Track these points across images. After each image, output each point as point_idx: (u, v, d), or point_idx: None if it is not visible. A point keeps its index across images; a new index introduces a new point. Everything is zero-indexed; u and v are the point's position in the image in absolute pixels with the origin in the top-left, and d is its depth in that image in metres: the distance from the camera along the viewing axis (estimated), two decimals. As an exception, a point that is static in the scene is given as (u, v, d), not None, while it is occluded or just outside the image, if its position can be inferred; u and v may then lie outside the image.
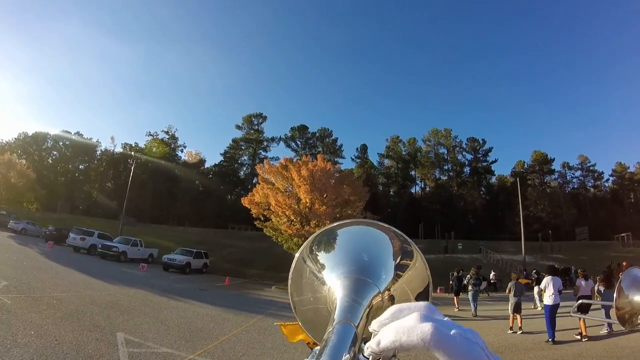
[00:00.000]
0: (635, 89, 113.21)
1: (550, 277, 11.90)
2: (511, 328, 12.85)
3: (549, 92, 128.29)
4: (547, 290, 11.71)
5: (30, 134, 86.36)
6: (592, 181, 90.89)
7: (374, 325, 0.49)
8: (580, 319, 10.73)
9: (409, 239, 0.72)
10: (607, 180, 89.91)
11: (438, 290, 27.84)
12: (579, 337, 11.21)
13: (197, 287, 21.98)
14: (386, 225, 0.74)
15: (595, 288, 12.41)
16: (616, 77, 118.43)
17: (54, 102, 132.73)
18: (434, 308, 0.47)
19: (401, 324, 0.44)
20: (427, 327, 0.42)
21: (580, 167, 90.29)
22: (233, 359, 8.01)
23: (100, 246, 31.09)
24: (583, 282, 12.55)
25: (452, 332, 0.43)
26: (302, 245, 0.73)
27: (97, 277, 17.91)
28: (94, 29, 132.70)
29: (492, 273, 32.53)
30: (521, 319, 12.88)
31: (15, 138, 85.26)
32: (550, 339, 10.88)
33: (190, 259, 31.90)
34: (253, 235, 54.89)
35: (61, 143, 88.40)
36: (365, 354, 0.48)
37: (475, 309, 17.26)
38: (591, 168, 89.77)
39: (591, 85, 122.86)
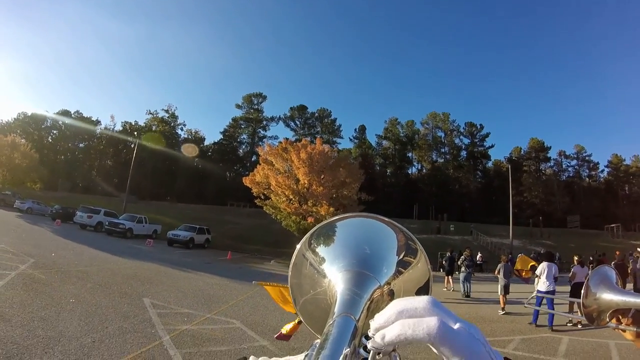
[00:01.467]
0: (634, 84, 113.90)
1: (546, 263, 11.64)
2: (502, 308, 13.01)
3: (549, 82, 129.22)
4: (542, 276, 11.49)
5: (29, 114, 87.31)
6: (587, 171, 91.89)
7: (376, 320, 0.48)
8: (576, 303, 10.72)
9: (412, 235, 0.71)
10: (602, 171, 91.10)
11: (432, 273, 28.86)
12: (570, 324, 11.07)
13: (203, 260, 23.61)
14: (389, 220, 0.73)
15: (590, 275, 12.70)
16: (616, 71, 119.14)
17: (52, 83, 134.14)
18: (437, 302, 0.47)
19: (407, 318, 0.44)
20: (433, 321, 0.42)
21: (576, 156, 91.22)
22: (242, 317, 9.62)
23: (107, 223, 32.54)
24: (579, 269, 12.03)
25: (457, 326, 0.43)
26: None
27: (110, 253, 19.41)
28: (91, 9, 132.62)
29: (479, 254, 34.08)
30: (506, 300, 13.22)
31: (14, 118, 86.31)
32: (533, 322, 11.05)
33: (194, 235, 33.47)
34: (252, 212, 56.22)
35: (60, 122, 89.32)
36: (368, 347, 0.47)
37: (469, 289, 17.30)
38: (587, 158, 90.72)
39: (591, 77, 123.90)
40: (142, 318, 8.30)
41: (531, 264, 13.22)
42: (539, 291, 11.05)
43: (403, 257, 0.70)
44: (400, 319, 0.45)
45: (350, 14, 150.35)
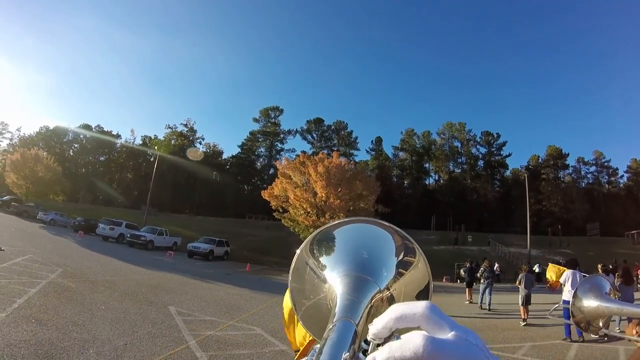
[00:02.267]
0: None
1: (570, 271, 10.82)
2: (524, 320, 12.68)
3: (565, 88, 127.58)
4: (567, 285, 10.51)
5: (51, 127, 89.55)
6: (607, 177, 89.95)
7: (374, 324, 0.47)
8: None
9: (410, 238, 0.71)
10: (622, 176, 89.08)
11: (444, 280, 29.00)
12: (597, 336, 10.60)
13: (223, 272, 24.10)
14: (387, 224, 0.72)
15: (616, 284, 11.51)
16: (634, 75, 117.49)
17: (73, 97, 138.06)
18: (435, 307, 0.46)
19: (394, 340, 0.43)
20: (418, 340, 0.40)
21: (595, 162, 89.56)
22: (263, 324, 10.00)
23: (129, 235, 33.37)
24: (604, 277, 11.66)
25: (451, 333, 0.43)
26: (303, 243, 0.73)
27: (134, 264, 20.06)
28: (107, 23, 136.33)
29: (496, 265, 33.89)
30: (528, 311, 12.83)
31: (37, 132, 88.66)
32: (567, 337, 10.23)
33: (213, 247, 34.12)
34: (270, 225, 56.57)
35: (82, 136, 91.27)
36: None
37: (489, 302, 16.49)
38: (606, 164, 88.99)
39: (609, 82, 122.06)
40: (169, 324, 8.73)
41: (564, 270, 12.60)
42: (564, 301, 9.92)
43: (402, 259, 0.71)
44: (397, 325, 0.46)
45: (362, 26, 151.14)
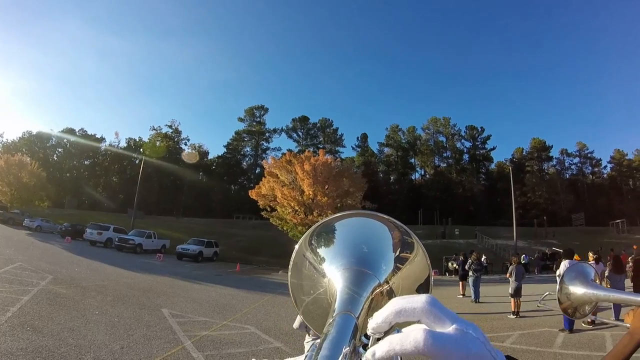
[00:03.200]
0: (634, 79, 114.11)
1: (567, 261, 10.55)
2: (513, 312, 12.63)
3: (547, 80, 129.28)
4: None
5: (34, 132, 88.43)
6: (590, 168, 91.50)
7: (374, 318, 0.47)
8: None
9: (409, 230, 0.71)
10: (605, 167, 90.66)
11: (433, 273, 29.05)
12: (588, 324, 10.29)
13: (213, 273, 24.21)
14: (386, 217, 0.72)
15: (606, 273, 11.74)
16: (615, 66, 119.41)
17: (56, 101, 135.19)
18: (435, 300, 0.45)
19: (394, 333, 0.43)
20: (419, 334, 0.40)
21: (578, 154, 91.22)
22: (256, 323, 10.17)
23: (117, 239, 33.15)
24: (594, 266, 10.40)
25: (452, 327, 0.43)
26: (302, 238, 0.78)
27: (123, 268, 19.99)
28: (92, 26, 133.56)
29: (484, 257, 34.29)
30: (520, 303, 12.75)
31: (20, 137, 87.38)
32: (566, 329, 9.91)
33: (202, 248, 34.12)
34: (258, 224, 56.70)
35: (65, 140, 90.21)
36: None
37: (478, 295, 16.54)
38: (589, 155, 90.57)
39: (590, 74, 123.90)
40: (163, 326, 8.83)
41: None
42: None
43: (400, 252, 0.71)
44: (397, 319, 0.46)
45: (345, 22, 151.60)
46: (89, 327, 8.08)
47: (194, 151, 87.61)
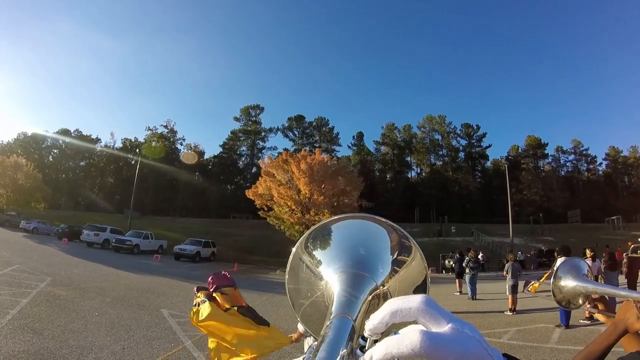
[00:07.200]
0: (629, 75, 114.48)
1: (564, 258, 10.37)
2: (510, 309, 12.73)
3: (542, 78, 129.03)
4: None
5: (29, 134, 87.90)
6: (586, 165, 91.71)
7: (370, 320, 0.47)
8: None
9: (407, 234, 0.71)
10: (601, 164, 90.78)
11: (429, 271, 29.14)
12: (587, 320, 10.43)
13: (211, 273, 24.00)
14: (383, 219, 0.72)
15: (602, 269, 11.74)
16: (609, 62, 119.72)
17: (51, 101, 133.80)
18: (431, 300, 0.45)
19: (390, 336, 0.43)
20: (415, 336, 0.40)
21: (573, 151, 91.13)
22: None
23: (114, 240, 33.17)
24: (590, 263, 10.39)
25: (448, 326, 0.43)
26: (300, 237, 0.78)
27: (121, 269, 20.03)
28: (85, 26, 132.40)
29: (481, 254, 34.43)
30: (516, 299, 12.86)
31: (14, 138, 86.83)
32: (562, 325, 10.10)
33: (200, 248, 34.18)
34: (254, 224, 56.59)
35: (61, 141, 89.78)
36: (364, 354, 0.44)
37: (475, 292, 16.66)
38: (584, 152, 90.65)
39: (584, 70, 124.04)
40: (164, 327, 8.92)
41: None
42: None
43: (398, 255, 0.71)
44: (394, 319, 0.45)
45: (343, 19, 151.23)
46: (89, 329, 8.15)
47: (192, 152, 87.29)
